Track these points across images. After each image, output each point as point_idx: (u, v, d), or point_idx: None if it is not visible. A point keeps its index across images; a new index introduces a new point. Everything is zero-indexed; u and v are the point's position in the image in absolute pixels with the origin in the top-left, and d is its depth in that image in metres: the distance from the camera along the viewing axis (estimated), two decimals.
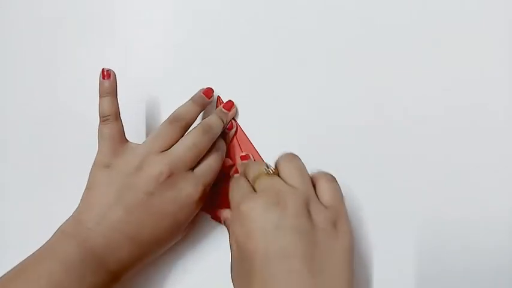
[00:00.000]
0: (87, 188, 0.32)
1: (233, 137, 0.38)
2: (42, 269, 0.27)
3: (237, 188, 0.30)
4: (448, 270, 0.33)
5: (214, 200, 0.35)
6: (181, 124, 0.33)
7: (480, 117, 0.35)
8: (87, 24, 0.42)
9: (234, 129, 0.38)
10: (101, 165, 0.32)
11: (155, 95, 0.40)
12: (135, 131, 0.36)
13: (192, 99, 0.36)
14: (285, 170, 0.29)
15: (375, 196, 0.35)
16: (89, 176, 0.32)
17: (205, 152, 0.33)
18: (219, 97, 0.39)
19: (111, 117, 0.33)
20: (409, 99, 0.36)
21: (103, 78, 0.33)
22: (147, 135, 0.37)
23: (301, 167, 0.30)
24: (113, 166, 0.32)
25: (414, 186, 0.35)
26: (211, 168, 0.33)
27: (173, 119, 0.34)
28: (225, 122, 0.36)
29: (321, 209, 0.28)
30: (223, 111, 0.37)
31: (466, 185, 0.34)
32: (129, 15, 0.42)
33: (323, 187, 0.29)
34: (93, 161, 0.32)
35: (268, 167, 0.30)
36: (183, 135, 0.33)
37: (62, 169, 0.31)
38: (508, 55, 0.36)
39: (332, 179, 0.29)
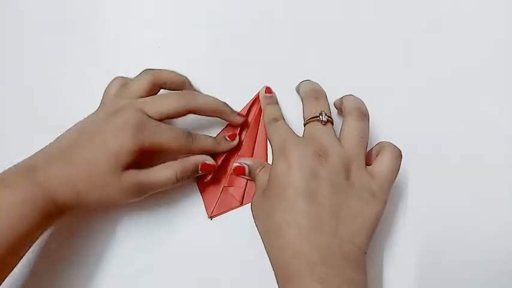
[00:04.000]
0: None
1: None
2: None
3: (280, 130, 0.32)
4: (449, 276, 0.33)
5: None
6: (152, 79, 0.33)
7: (482, 123, 0.36)
8: (91, 27, 0.41)
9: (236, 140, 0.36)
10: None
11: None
12: None
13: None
14: (346, 129, 0.30)
15: None
16: None
17: (170, 107, 0.31)
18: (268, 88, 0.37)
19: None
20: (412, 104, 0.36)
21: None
22: None
23: (363, 132, 0.30)
24: None
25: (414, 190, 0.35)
26: (162, 105, 0.31)
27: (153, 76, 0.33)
28: (220, 149, 0.35)
29: (364, 176, 0.29)
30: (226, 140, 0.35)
31: (468, 189, 0.35)
32: (137, 17, 0.42)
33: (383, 159, 0.30)
34: None
35: (322, 115, 0.31)
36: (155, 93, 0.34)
37: None
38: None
39: (397, 155, 0.30)
